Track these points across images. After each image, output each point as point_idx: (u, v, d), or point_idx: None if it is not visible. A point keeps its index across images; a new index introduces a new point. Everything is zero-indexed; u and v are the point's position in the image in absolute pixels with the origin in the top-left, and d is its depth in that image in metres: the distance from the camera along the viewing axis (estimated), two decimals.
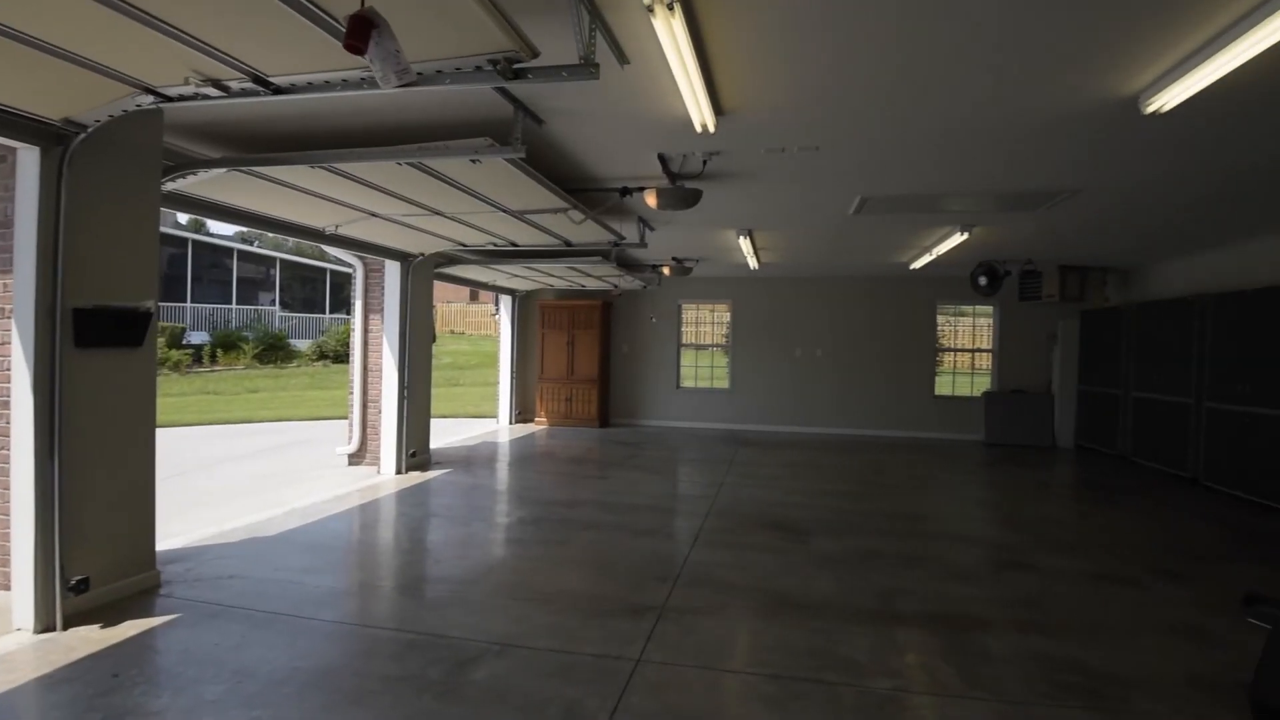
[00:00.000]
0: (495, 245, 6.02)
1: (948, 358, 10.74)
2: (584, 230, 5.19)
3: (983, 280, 8.30)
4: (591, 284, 9.32)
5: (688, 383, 11.00)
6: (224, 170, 3.60)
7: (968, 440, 9.81)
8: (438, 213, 4.72)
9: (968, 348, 10.68)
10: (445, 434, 9.19)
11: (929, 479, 6.97)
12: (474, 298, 25.62)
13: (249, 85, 2.48)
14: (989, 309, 10.16)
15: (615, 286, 9.00)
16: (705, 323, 11.18)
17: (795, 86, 3.07)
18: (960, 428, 10.03)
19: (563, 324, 10.37)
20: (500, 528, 4.80)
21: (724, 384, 10.82)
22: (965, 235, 6.45)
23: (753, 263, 8.39)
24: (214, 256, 21.80)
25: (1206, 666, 2.86)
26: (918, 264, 8.42)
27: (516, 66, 2.37)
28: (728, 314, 10.83)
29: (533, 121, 3.55)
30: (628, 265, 8.70)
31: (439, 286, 8.04)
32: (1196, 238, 6.62)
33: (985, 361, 10.42)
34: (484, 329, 24.22)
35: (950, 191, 4.93)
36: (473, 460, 7.38)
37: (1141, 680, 2.73)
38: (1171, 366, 7.25)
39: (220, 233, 23.73)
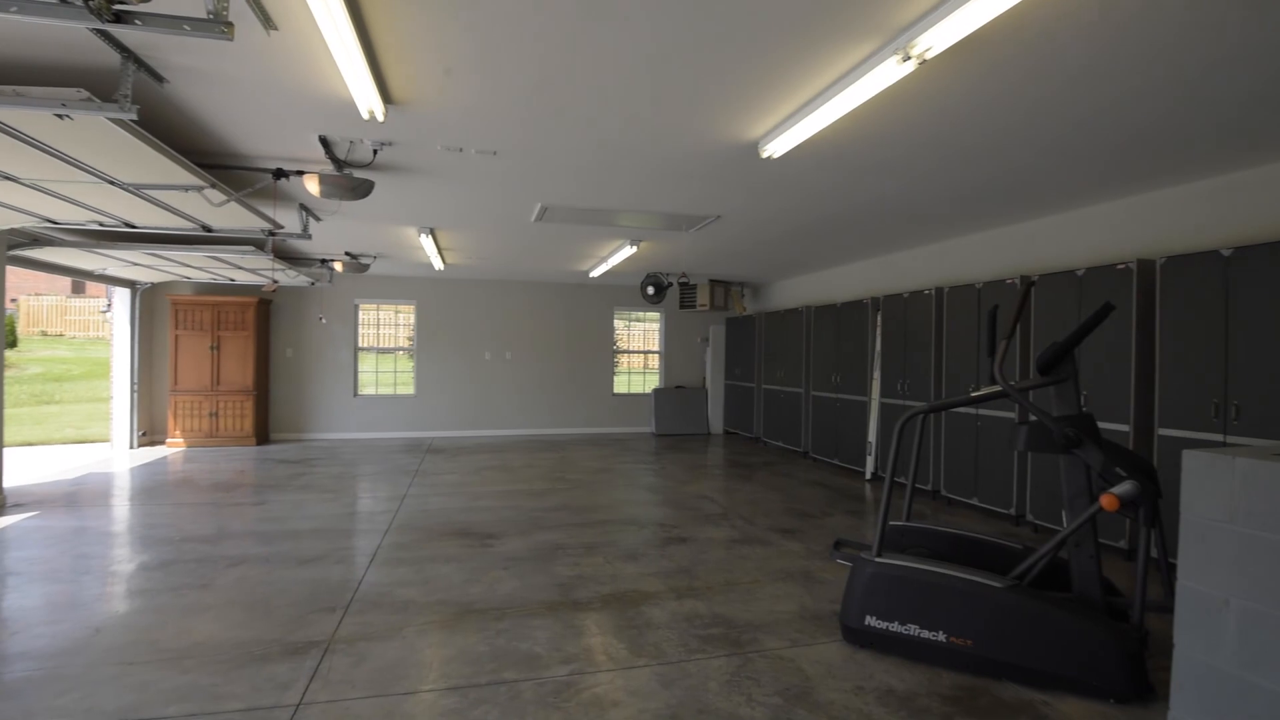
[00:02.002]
0: (103, 225, 4.83)
1: (624, 359, 11.73)
2: (228, 214, 4.45)
3: (650, 290, 9.24)
4: (243, 277, 8.06)
5: (367, 390, 10.20)
6: None
7: (641, 433, 10.90)
8: (8, 177, 3.61)
9: (640, 349, 11.80)
10: (33, 467, 7.10)
11: (608, 471, 7.51)
12: (78, 290, 20.35)
13: None
14: (657, 315, 11.43)
15: (274, 281, 7.91)
16: (388, 324, 10.48)
17: (467, 88, 3.02)
18: (635, 422, 11.10)
19: (204, 324, 8.73)
20: (115, 579, 3.85)
21: (409, 390, 10.28)
22: (634, 249, 7.11)
23: (438, 263, 8.11)
24: None
25: (813, 603, 3.55)
26: (596, 272, 9.04)
27: (119, 8, 1.92)
28: (412, 315, 10.31)
29: (151, 78, 2.91)
30: (290, 258, 7.74)
31: (22, 274, 6.16)
32: (805, 262, 8.29)
33: (654, 362, 11.65)
34: (93, 330, 19.33)
35: (620, 208, 5.38)
36: (76, 497, 5.82)
37: (768, 622, 3.28)
38: (788, 364, 8.96)
39: None
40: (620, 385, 11.32)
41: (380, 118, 3.22)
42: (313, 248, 7.47)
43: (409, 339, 10.44)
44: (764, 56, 2.70)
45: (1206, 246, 4.08)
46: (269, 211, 5.07)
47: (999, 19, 2.33)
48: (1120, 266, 4.42)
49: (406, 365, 10.41)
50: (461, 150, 3.92)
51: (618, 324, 11.33)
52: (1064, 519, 3.07)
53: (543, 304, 10.70)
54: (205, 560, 4.14)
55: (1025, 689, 2.65)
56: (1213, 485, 1.89)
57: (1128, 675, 2.51)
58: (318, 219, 5.76)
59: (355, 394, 9.98)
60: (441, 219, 5.90)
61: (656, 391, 10.89)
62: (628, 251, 7.24)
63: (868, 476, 7.11)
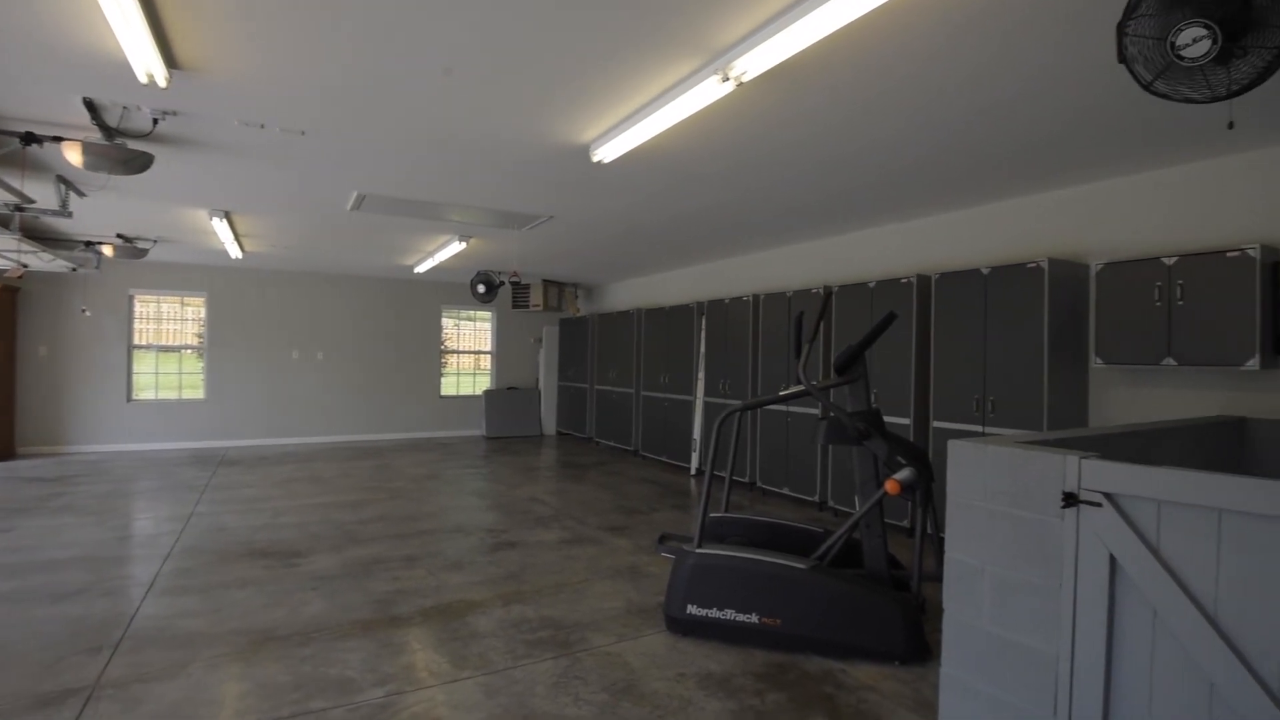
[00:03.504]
0: None
1: (453, 359, 11.28)
2: None
3: (481, 288, 8.97)
4: None
5: (145, 394, 8.86)
6: None
7: (471, 436, 10.55)
8: None
9: (471, 350, 11.42)
10: None
11: (434, 477, 7.18)
12: None
13: None
14: (488, 314, 11.13)
15: (21, 266, 6.62)
16: (172, 318, 9.18)
17: (269, 58, 2.73)
18: (465, 425, 10.73)
19: None
20: None
21: (198, 393, 9.09)
22: (464, 245, 6.87)
23: (235, 250, 7.26)
24: None
25: (639, 596, 3.64)
26: (422, 268, 8.61)
27: None
28: (203, 308, 9.13)
29: None
30: (44, 239, 6.53)
31: None
32: (637, 265, 8.51)
33: (486, 362, 11.33)
34: None
35: (447, 202, 5.16)
36: None
37: (596, 620, 3.31)
38: (620, 365, 9.15)
39: None
40: (449, 387, 10.88)
41: (162, 83, 2.80)
42: (75, 227, 6.36)
43: (198, 336, 9.23)
44: (595, 63, 2.72)
45: (971, 265, 4.76)
46: (15, 183, 4.24)
47: (806, 52, 2.54)
48: (903, 280, 5.02)
49: (195, 365, 9.20)
50: (263, 127, 3.54)
51: (446, 323, 10.88)
52: (857, 503, 3.42)
53: (362, 299, 9.98)
54: None
55: (827, 660, 2.91)
56: (970, 470, 2.19)
57: (909, 639, 2.85)
58: (81, 194, 4.91)
59: (129, 399, 8.65)
60: (239, 202, 5.29)
61: (488, 393, 10.60)
62: (456, 247, 6.98)
63: (693, 472, 7.45)
